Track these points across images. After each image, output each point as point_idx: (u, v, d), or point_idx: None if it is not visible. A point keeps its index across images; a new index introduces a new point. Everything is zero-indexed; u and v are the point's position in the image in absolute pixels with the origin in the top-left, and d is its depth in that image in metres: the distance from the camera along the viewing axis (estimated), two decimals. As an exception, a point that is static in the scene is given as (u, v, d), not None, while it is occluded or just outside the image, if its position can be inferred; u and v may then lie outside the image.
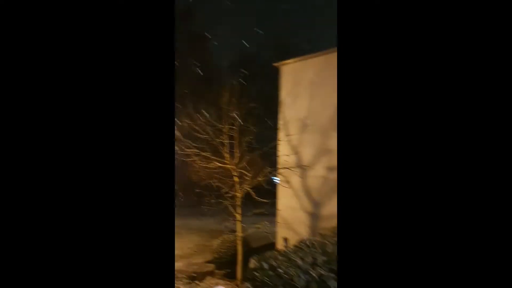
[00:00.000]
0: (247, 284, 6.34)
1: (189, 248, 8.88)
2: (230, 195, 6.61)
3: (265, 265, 3.38)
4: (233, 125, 6.53)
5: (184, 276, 6.76)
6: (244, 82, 8.15)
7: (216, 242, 7.66)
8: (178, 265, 7.56)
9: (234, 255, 6.85)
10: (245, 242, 7.01)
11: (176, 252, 8.88)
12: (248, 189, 6.55)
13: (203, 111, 6.48)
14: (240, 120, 6.50)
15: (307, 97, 7.64)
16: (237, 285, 6.28)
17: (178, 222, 10.67)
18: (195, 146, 6.54)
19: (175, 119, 6.37)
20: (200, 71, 12.49)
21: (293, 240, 6.92)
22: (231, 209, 6.74)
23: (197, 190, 7.22)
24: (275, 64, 8.51)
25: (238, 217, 6.70)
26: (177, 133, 6.66)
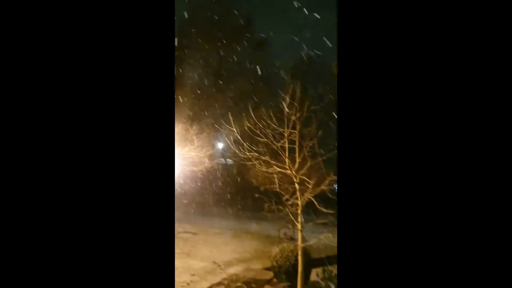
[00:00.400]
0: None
1: (247, 253, 8.82)
2: (290, 202, 6.31)
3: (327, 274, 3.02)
4: (294, 128, 6.24)
5: (241, 284, 6.67)
6: (305, 85, 7.78)
7: (275, 250, 7.43)
8: (236, 269, 7.54)
9: (294, 265, 6.52)
10: (306, 252, 6.62)
11: (235, 255, 8.92)
12: (310, 197, 6.16)
13: (263, 113, 6.32)
14: (300, 124, 6.18)
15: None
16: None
17: (237, 225, 10.85)
18: (255, 150, 6.41)
19: (231, 123, 6.36)
20: (259, 70, 12.52)
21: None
22: (292, 217, 6.43)
23: (257, 195, 7.09)
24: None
25: (299, 226, 6.36)
26: (237, 135, 6.64)
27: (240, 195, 9.94)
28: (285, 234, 9.03)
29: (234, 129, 6.53)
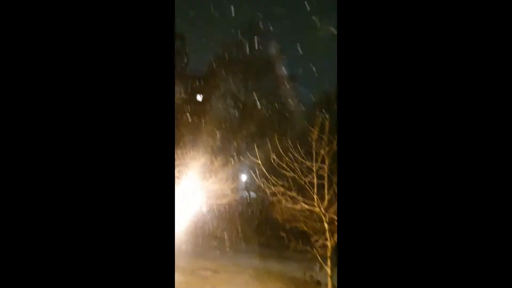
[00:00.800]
0: None
1: (270, 296, 8.12)
2: (320, 244, 5.79)
3: None
4: (323, 163, 5.90)
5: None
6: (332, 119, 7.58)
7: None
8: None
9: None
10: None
11: (256, 300, 8.28)
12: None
13: (290, 145, 6.06)
14: (330, 158, 5.84)
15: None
16: None
17: (259, 264, 10.23)
18: (280, 184, 6.09)
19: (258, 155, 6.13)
20: (291, 102, 12.46)
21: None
22: (320, 259, 5.87)
23: (282, 234, 6.64)
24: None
25: (329, 270, 5.77)
26: (262, 168, 6.38)
27: (264, 232, 9.43)
28: (311, 277, 8.30)
29: (259, 161, 6.30)
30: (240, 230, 11.10)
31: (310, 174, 5.97)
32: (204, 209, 7.94)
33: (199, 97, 13.22)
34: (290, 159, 5.99)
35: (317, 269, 6.06)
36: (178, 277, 7.45)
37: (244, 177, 11.77)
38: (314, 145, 5.93)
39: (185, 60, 13.43)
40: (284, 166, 6.03)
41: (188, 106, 11.42)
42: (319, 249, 5.85)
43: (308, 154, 6.05)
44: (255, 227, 10.82)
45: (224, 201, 8.33)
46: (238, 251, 11.04)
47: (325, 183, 5.98)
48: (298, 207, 5.96)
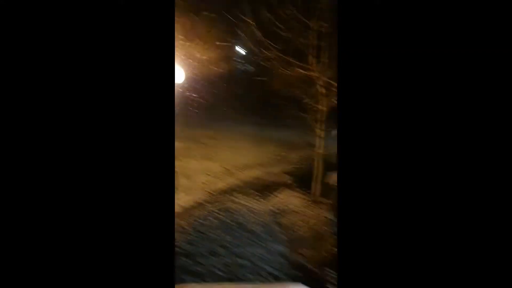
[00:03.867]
0: (322, 199, 6.03)
1: (268, 158, 8.87)
2: (314, 108, 5.76)
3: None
4: (323, 20, 5.19)
5: (259, 186, 6.78)
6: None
7: (295, 155, 7.32)
8: (256, 173, 7.67)
9: (312, 171, 6.41)
10: (326, 159, 6.41)
11: (254, 160, 9.08)
12: (334, 103, 5.55)
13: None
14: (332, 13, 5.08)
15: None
16: (312, 201, 6.00)
17: (257, 131, 10.78)
18: (275, 48, 5.58)
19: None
20: None
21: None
22: (313, 123, 5.99)
23: (276, 100, 6.58)
24: None
25: (320, 133, 5.96)
26: (256, 32, 5.73)
27: (261, 100, 9.46)
28: (306, 141, 8.81)
29: (251, 21, 5.59)
30: (238, 100, 11.21)
31: (308, 33, 5.37)
32: (198, 77, 7.66)
33: None
34: (286, 15, 5.25)
35: (313, 135, 6.30)
36: (178, 144, 7.96)
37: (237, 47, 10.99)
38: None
39: None
40: (278, 24, 5.35)
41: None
42: (312, 113, 5.87)
43: (307, 10, 5.28)
44: (252, 96, 10.86)
45: (219, 69, 7.97)
46: (237, 120, 11.49)
47: (325, 45, 5.45)
48: (293, 72, 5.63)
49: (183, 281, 3.57)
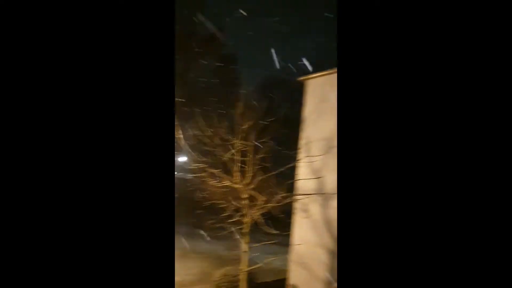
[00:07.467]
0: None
1: (191, 275, 7.99)
2: (235, 219, 5.74)
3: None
4: (246, 140, 5.78)
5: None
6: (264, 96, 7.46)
7: (218, 273, 6.74)
8: (176, 294, 6.69)
9: (237, 291, 5.86)
10: (252, 276, 6.02)
11: (176, 278, 8.10)
12: (257, 216, 5.64)
13: (214, 120, 5.82)
14: (253, 135, 5.74)
15: (334, 115, 6.77)
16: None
17: (186, 244, 9.96)
18: (202, 161, 5.84)
19: (179, 129, 5.78)
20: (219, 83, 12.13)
21: (307, 284, 5.82)
22: (239, 236, 5.84)
23: (198, 211, 6.45)
24: (300, 79, 7.79)
25: (245, 247, 5.77)
26: (183, 143, 6.04)
27: (192, 211, 9.18)
28: (235, 255, 8.36)
29: (181, 137, 5.95)
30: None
31: (232, 150, 5.82)
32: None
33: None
34: (213, 134, 5.75)
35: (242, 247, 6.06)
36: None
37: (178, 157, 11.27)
38: (237, 120, 5.77)
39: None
40: (206, 142, 5.78)
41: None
42: (235, 225, 5.80)
43: (232, 130, 5.88)
44: (182, 207, 10.50)
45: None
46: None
47: (249, 160, 5.89)
48: (218, 184, 5.79)
49: None
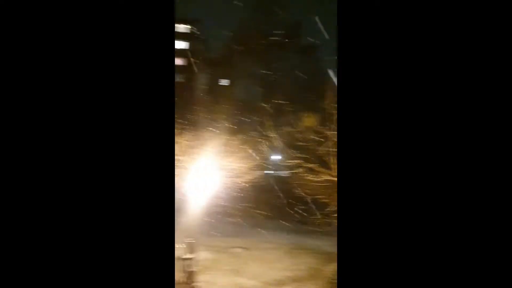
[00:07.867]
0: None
1: (302, 271, 8.02)
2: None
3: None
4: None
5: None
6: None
7: (331, 269, 6.58)
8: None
9: None
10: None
11: (286, 273, 8.24)
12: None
13: (305, 116, 5.74)
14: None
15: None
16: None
17: (292, 239, 10.12)
18: (297, 157, 5.83)
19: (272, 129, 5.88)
20: (303, 75, 11.92)
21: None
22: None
23: (301, 207, 6.43)
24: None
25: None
26: (279, 143, 6.15)
27: (293, 207, 9.27)
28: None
29: (274, 135, 6.07)
30: (269, 207, 11.05)
31: (327, 143, 5.62)
32: (226, 188, 7.93)
33: (221, 81, 13.12)
34: (304, 128, 5.67)
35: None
36: (206, 255, 7.61)
37: (267, 154, 11.62)
38: (327, 110, 5.54)
39: (203, 47, 13.28)
40: (298, 137, 5.74)
41: (208, 89, 11.38)
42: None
43: (325, 121, 5.69)
44: (283, 203, 10.71)
45: (247, 179, 8.25)
46: (268, 228, 11.06)
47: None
48: (317, 178, 5.68)
49: None
